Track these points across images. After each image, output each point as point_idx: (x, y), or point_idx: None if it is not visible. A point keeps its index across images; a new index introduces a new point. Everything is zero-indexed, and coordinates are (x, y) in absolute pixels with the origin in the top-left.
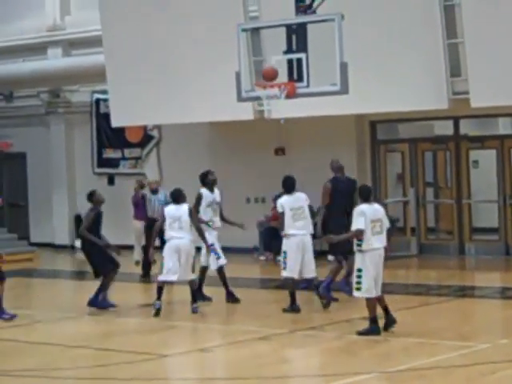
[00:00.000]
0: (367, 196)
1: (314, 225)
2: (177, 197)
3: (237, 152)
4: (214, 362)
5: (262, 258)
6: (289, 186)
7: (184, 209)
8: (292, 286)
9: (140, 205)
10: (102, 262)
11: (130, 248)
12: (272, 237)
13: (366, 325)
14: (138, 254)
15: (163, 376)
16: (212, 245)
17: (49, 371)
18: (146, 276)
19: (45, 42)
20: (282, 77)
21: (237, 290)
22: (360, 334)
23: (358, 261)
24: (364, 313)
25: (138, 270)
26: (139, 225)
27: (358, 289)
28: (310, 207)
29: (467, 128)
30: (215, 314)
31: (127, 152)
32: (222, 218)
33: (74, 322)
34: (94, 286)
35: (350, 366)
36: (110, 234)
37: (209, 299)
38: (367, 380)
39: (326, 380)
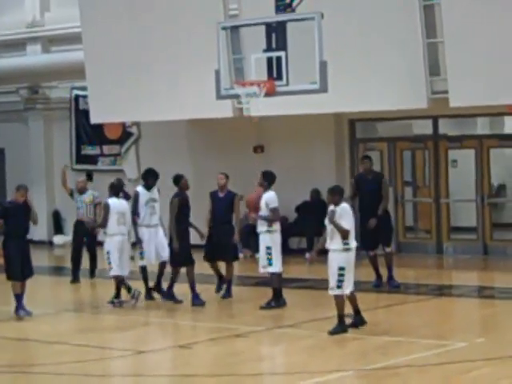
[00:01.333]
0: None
1: None
2: (118, 191)
3: (216, 150)
4: (191, 358)
5: (241, 255)
6: (273, 180)
7: (125, 204)
8: (279, 281)
9: None
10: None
11: None
12: (250, 234)
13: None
14: None
15: (140, 372)
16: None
17: (26, 367)
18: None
19: (24, 38)
20: (262, 75)
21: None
22: (332, 333)
23: (343, 259)
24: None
25: None
26: None
27: (340, 287)
28: None
29: (446, 127)
30: (193, 311)
31: (106, 149)
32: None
33: (51, 318)
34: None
35: (326, 364)
36: None
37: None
38: (344, 378)
39: (303, 377)
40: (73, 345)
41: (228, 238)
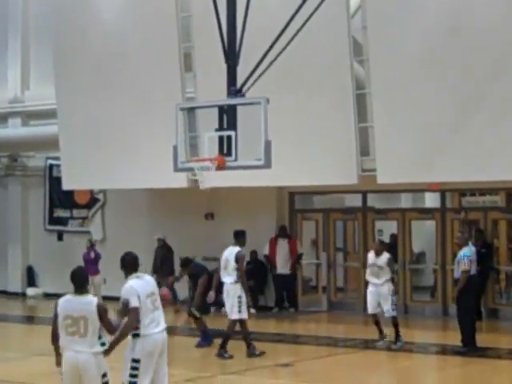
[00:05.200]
0: None
1: None
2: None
3: (171, 216)
4: None
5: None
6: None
7: None
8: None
9: (89, 261)
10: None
11: None
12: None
13: (279, 372)
14: None
15: None
16: None
17: None
18: None
19: (6, 112)
20: (214, 151)
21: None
22: None
23: None
24: (279, 360)
25: None
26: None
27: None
28: None
29: (373, 201)
30: None
31: (75, 212)
32: None
33: (21, 362)
34: (41, 330)
35: None
36: (58, 284)
37: None
38: None
39: None
40: None
41: None
